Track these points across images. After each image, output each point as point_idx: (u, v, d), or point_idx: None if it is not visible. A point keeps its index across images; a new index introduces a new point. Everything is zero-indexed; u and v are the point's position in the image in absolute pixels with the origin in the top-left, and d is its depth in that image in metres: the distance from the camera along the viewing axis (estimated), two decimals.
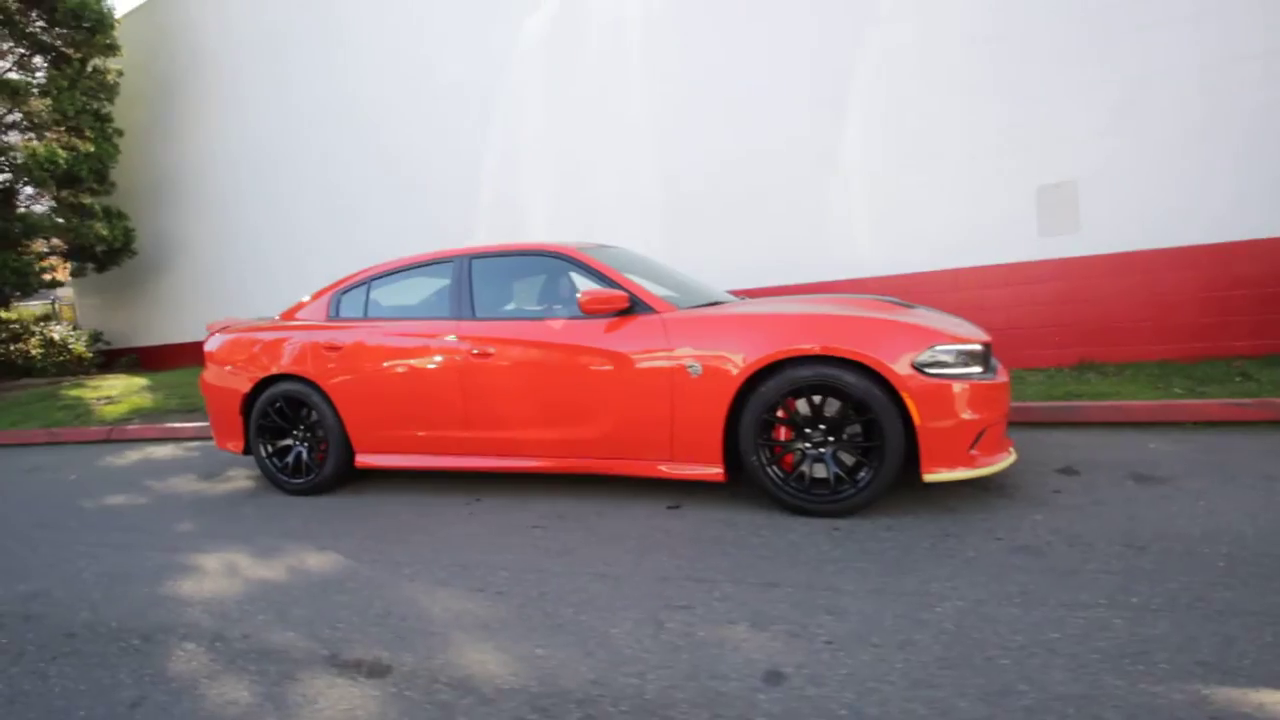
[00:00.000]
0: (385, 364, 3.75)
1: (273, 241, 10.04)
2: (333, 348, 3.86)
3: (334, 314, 4.04)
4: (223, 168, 10.46)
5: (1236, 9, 4.98)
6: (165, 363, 11.34)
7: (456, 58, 8.44)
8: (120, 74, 10.32)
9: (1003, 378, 3.03)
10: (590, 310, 3.25)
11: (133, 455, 5.67)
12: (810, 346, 2.90)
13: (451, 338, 3.60)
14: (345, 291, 4.07)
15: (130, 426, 6.49)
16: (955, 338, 2.91)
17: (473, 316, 3.66)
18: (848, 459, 3.01)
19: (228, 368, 4.19)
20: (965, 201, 6.00)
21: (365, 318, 3.97)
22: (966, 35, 5.93)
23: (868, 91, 6.33)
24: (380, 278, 4.03)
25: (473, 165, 8.44)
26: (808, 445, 3.03)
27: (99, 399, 7.76)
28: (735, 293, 4.60)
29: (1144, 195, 5.37)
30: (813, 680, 1.78)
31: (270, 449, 4.10)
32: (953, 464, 2.85)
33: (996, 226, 5.89)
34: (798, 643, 1.97)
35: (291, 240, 9.84)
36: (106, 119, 10.01)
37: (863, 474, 2.93)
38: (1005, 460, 2.96)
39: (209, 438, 6.19)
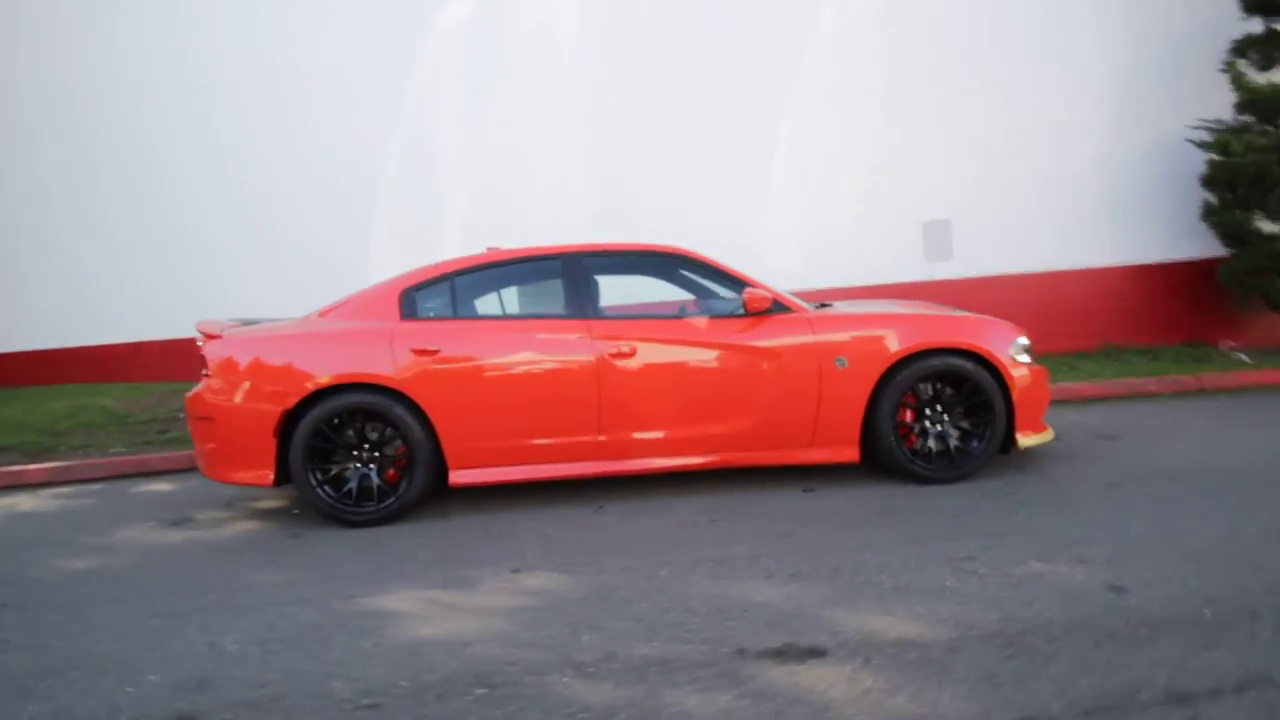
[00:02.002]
0: (500, 368, 3.41)
1: (75, 231, 7.72)
2: (425, 352, 3.38)
3: (409, 313, 3.52)
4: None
5: (1070, 86, 6.87)
6: None
7: (343, 35, 7.51)
8: None
9: (1039, 365, 3.91)
10: (754, 309, 3.42)
11: None
12: (948, 340, 3.47)
13: (583, 337, 3.44)
14: (419, 289, 3.57)
15: None
16: (1023, 332, 3.72)
17: (598, 315, 3.53)
18: (952, 433, 3.64)
19: (253, 379, 3.37)
20: (871, 230, 7.22)
21: (455, 317, 3.54)
22: (862, 88, 7.19)
23: (793, 123, 7.28)
24: (464, 274, 3.63)
25: (372, 167, 7.57)
26: (927, 424, 3.60)
27: None
28: None
29: (996, 232, 7.07)
30: (1145, 585, 2.29)
31: (319, 476, 3.40)
32: (1034, 431, 3.63)
33: (895, 252, 7.19)
34: (1093, 566, 2.46)
35: (102, 233, 7.70)
36: None
37: (975, 444, 3.57)
38: (1051, 431, 3.82)
39: (64, 482, 4.68)
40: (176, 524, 3.64)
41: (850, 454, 3.56)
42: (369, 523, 3.40)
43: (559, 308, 3.60)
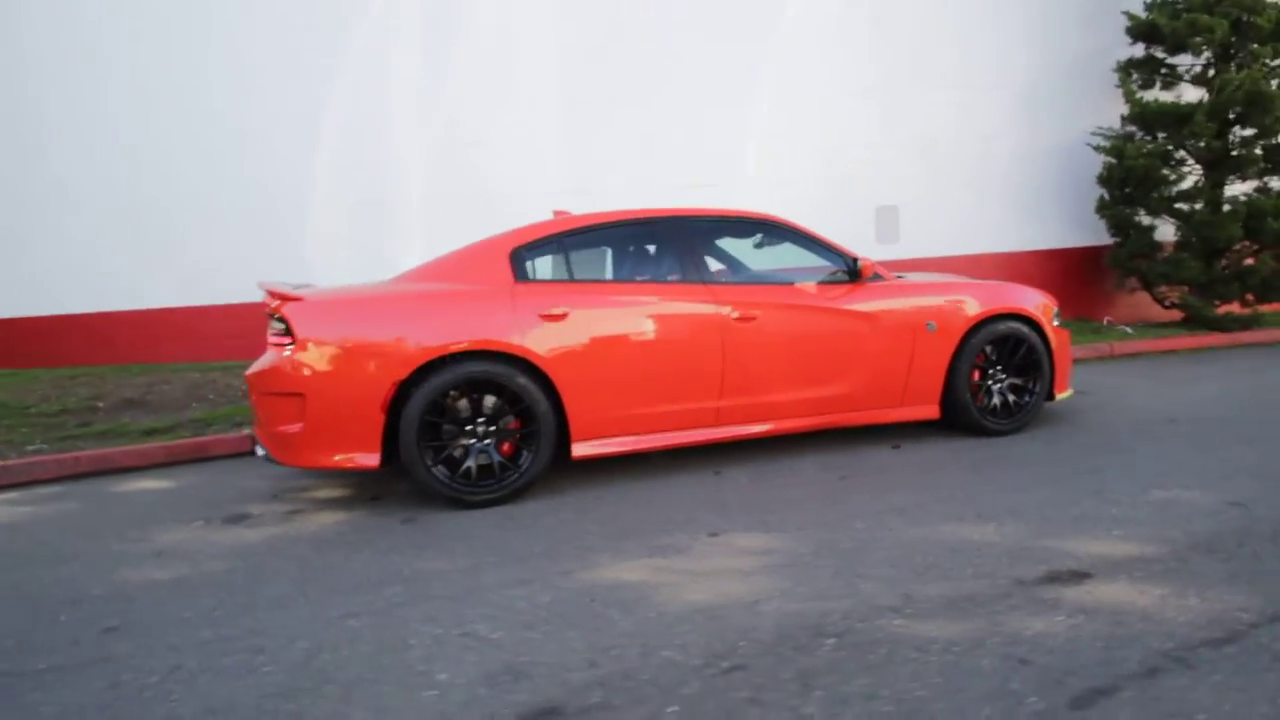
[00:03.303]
0: (629, 333, 3.26)
1: None
2: (552, 316, 3.13)
3: (522, 275, 3.23)
4: None
5: (996, 93, 7.77)
6: None
7: None
8: None
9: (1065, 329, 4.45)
10: (866, 275, 3.57)
11: None
12: (1012, 306, 3.88)
13: (708, 302, 3.38)
14: (529, 248, 3.29)
15: None
16: (1055, 300, 4.26)
17: (712, 280, 3.49)
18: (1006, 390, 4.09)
19: (355, 348, 2.92)
20: (831, 211, 7.70)
21: (572, 280, 3.31)
22: (833, 77, 7.65)
23: (766, 106, 7.55)
24: (572, 235, 3.40)
25: (306, 122, 6.69)
26: (990, 382, 4.00)
27: None
28: None
29: (936, 219, 7.88)
30: (1254, 502, 2.77)
31: (432, 455, 3.04)
32: (1064, 388, 4.19)
33: (851, 232, 7.72)
34: (1199, 490, 2.93)
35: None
36: None
37: (1026, 399, 4.03)
38: (1072, 388, 4.40)
39: (7, 486, 3.73)
40: (235, 521, 3.07)
41: (932, 411, 3.88)
42: (490, 502, 3.11)
43: (671, 272, 3.51)
